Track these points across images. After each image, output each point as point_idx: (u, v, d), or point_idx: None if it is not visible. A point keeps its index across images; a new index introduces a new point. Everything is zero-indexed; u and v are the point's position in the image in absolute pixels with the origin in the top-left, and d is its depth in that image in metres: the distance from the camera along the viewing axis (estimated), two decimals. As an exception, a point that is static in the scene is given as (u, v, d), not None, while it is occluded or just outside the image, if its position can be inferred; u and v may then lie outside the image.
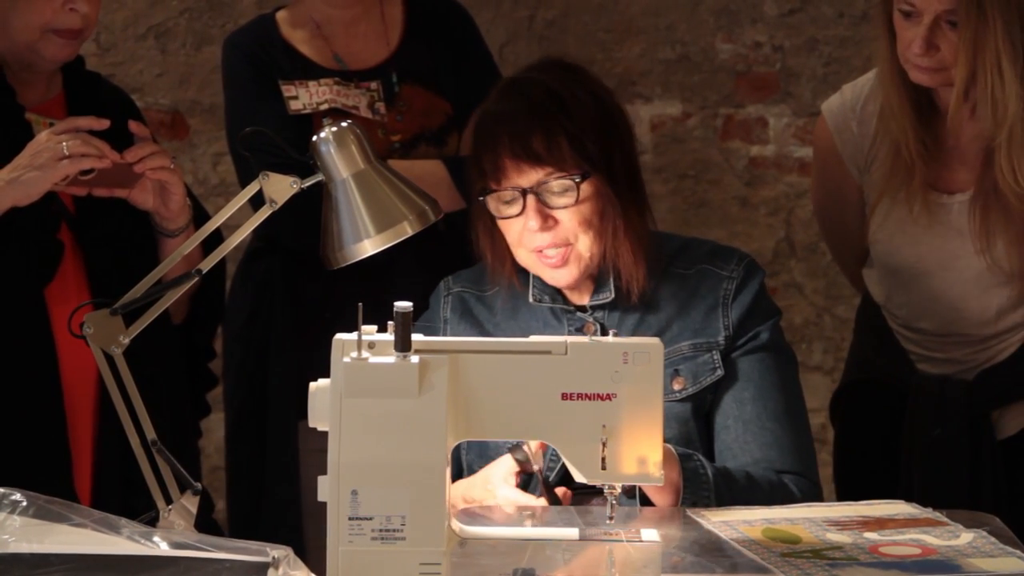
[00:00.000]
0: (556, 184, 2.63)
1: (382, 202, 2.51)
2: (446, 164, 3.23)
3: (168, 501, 2.45)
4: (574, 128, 2.64)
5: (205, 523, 2.58)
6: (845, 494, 3.26)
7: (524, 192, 2.63)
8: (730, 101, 4.56)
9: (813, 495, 2.66)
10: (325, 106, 3.22)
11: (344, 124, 2.53)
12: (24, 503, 2.12)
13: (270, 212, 2.49)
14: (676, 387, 2.67)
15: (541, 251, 2.66)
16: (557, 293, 2.75)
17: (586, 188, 2.64)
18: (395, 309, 2.20)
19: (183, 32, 4.49)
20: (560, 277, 2.69)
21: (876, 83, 3.11)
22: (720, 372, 2.68)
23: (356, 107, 3.24)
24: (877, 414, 3.23)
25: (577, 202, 2.64)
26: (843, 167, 3.19)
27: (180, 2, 4.49)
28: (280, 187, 2.49)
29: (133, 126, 2.76)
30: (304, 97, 3.23)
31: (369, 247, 2.50)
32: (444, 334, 2.77)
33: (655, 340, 2.32)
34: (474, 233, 2.76)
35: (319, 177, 2.51)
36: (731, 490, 2.57)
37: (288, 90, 3.24)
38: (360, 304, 2.20)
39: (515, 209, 2.65)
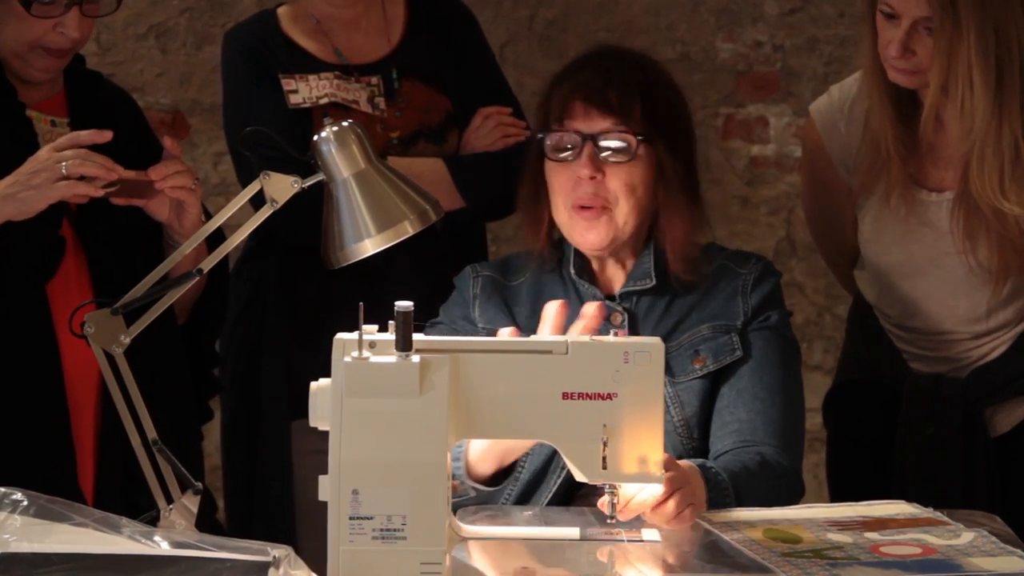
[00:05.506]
0: (617, 136, 2.70)
1: (383, 201, 2.51)
2: (446, 162, 3.23)
3: (169, 500, 2.45)
4: (650, 93, 2.73)
5: (209, 524, 2.57)
6: (838, 493, 3.26)
7: (584, 138, 2.70)
8: (731, 100, 4.56)
9: (794, 477, 2.67)
10: (325, 100, 3.22)
11: (345, 123, 2.53)
12: (25, 502, 2.12)
13: (271, 211, 2.49)
14: (697, 366, 2.72)
15: (581, 207, 2.72)
16: (593, 276, 2.79)
17: (643, 151, 2.71)
18: (396, 309, 2.20)
19: (184, 31, 4.49)
20: (592, 239, 2.74)
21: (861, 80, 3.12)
22: (739, 352, 2.73)
23: (356, 101, 3.24)
24: (870, 413, 3.23)
25: (631, 159, 2.70)
26: (832, 167, 3.19)
27: (181, 1, 4.49)
28: (281, 187, 2.48)
29: (167, 142, 2.76)
30: (304, 91, 3.23)
31: (370, 246, 2.50)
32: (473, 311, 2.82)
33: (656, 340, 2.32)
34: (520, 187, 2.83)
35: (320, 176, 2.51)
36: (747, 484, 2.56)
37: (288, 84, 3.23)
38: (361, 304, 2.20)
39: (571, 153, 2.71)
